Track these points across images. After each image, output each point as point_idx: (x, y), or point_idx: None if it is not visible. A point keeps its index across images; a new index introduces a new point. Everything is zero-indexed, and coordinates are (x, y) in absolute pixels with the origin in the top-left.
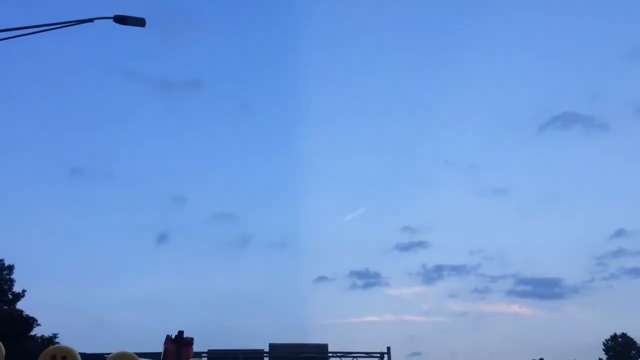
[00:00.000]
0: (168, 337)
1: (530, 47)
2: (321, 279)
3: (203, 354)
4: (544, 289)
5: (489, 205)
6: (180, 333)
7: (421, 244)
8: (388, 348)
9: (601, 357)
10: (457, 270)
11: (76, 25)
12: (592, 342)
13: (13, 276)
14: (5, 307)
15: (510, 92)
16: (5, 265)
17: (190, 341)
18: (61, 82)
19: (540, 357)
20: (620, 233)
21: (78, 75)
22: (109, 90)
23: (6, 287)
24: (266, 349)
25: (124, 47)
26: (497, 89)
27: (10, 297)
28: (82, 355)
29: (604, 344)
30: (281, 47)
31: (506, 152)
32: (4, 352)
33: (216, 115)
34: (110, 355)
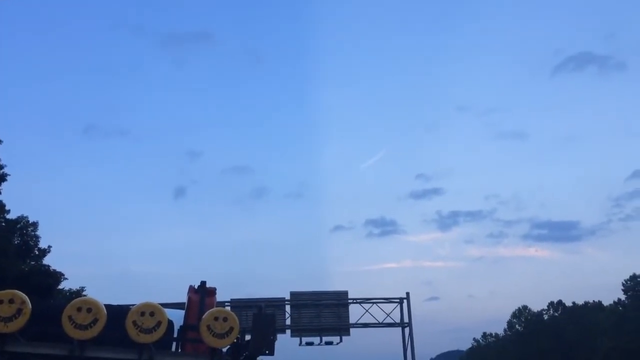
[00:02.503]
0: (191, 287)
1: None
2: (338, 228)
3: (226, 303)
4: (560, 232)
5: (503, 149)
6: (203, 283)
7: (436, 191)
8: (407, 293)
9: (620, 297)
10: (473, 215)
11: None
12: (610, 283)
13: (38, 232)
14: (32, 263)
15: (522, 34)
16: (30, 222)
17: (213, 291)
18: (68, 40)
19: (558, 299)
20: (636, 174)
21: (85, 33)
22: (117, 46)
23: (32, 244)
24: (287, 297)
25: (130, 1)
26: (510, 32)
27: (37, 252)
28: (107, 306)
29: (623, 284)
30: None
31: (521, 96)
32: (30, 307)
33: (227, 66)
34: (135, 306)
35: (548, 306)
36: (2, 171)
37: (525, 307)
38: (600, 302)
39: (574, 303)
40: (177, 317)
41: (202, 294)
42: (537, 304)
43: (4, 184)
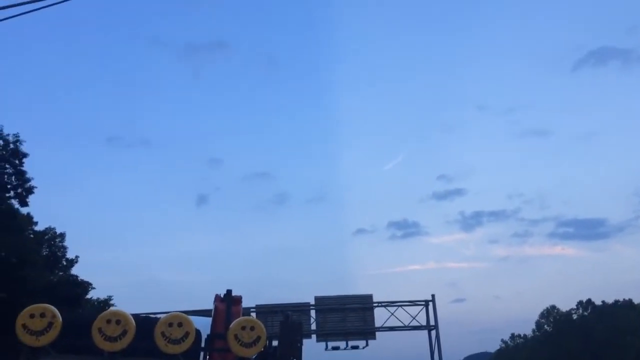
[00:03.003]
0: (217, 296)
1: None
2: (360, 231)
3: (251, 309)
4: (587, 230)
5: (525, 148)
6: (229, 292)
7: (458, 192)
8: (432, 296)
9: None
10: (496, 215)
11: None
12: None
13: (65, 243)
14: (60, 274)
15: (541, 30)
16: (57, 233)
17: (239, 299)
18: (89, 53)
19: (587, 298)
20: None
21: (106, 45)
22: (136, 58)
23: (60, 254)
24: (312, 301)
25: (148, 13)
26: (528, 28)
27: (65, 263)
28: (135, 317)
29: None
30: (306, 2)
31: (541, 93)
32: (61, 320)
33: (244, 74)
34: (163, 317)
35: (577, 305)
36: (29, 184)
37: (553, 307)
38: (630, 300)
39: (603, 302)
40: (203, 324)
41: (228, 303)
42: (566, 304)
43: (31, 197)
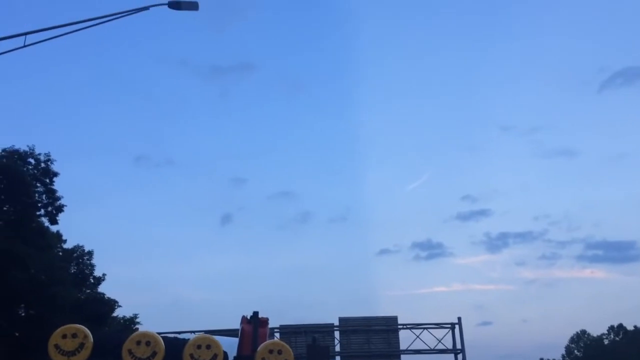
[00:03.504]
0: (244, 318)
1: (582, 1)
2: (384, 251)
3: (275, 330)
4: (616, 252)
5: (551, 168)
6: (256, 314)
7: (483, 212)
8: (459, 318)
9: None
10: (523, 237)
11: (126, 17)
12: None
13: (93, 261)
14: (88, 291)
15: (565, 51)
16: (86, 251)
17: (265, 321)
18: (118, 73)
19: (618, 323)
20: None
21: (133, 66)
22: (164, 78)
23: (88, 272)
24: (336, 322)
25: (174, 35)
26: (551, 49)
27: (92, 281)
28: (164, 338)
29: None
30: (330, 23)
31: (567, 113)
32: (92, 341)
33: (269, 95)
34: (191, 339)
35: (608, 330)
36: (59, 202)
37: (584, 332)
38: None
39: (635, 327)
40: (229, 345)
41: (255, 325)
42: (597, 328)
43: (60, 215)
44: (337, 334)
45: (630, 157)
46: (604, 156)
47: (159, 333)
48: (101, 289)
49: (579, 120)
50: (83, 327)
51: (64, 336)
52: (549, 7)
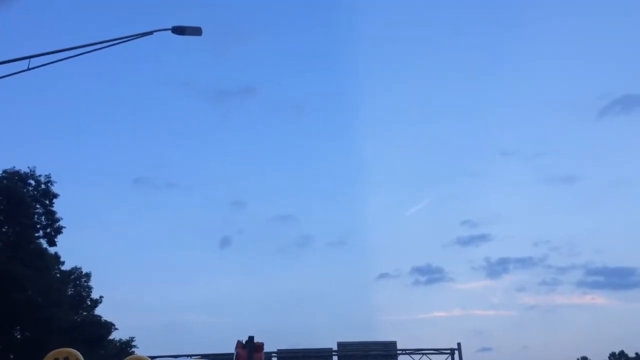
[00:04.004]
0: (239, 342)
1: (582, 29)
2: (383, 276)
3: (273, 354)
4: (617, 279)
5: (551, 194)
6: (251, 338)
7: (483, 237)
8: (458, 344)
9: None
10: (523, 262)
11: (130, 41)
12: None
13: (90, 283)
14: (85, 314)
15: (564, 78)
16: (83, 273)
17: (261, 346)
18: (120, 97)
19: (620, 350)
20: None
21: (136, 89)
22: (166, 101)
23: (85, 294)
24: (334, 347)
25: (178, 59)
26: (550, 74)
27: (89, 303)
28: None
29: None
30: (331, 48)
31: (567, 140)
32: None
33: (270, 119)
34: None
35: (609, 357)
36: (58, 224)
37: (585, 358)
38: None
39: (637, 354)
40: None
41: (250, 350)
42: (598, 356)
43: (59, 236)
44: (335, 358)
45: (630, 184)
46: (604, 183)
47: (155, 357)
48: (98, 311)
49: (579, 146)
50: (75, 351)
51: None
52: (549, 33)
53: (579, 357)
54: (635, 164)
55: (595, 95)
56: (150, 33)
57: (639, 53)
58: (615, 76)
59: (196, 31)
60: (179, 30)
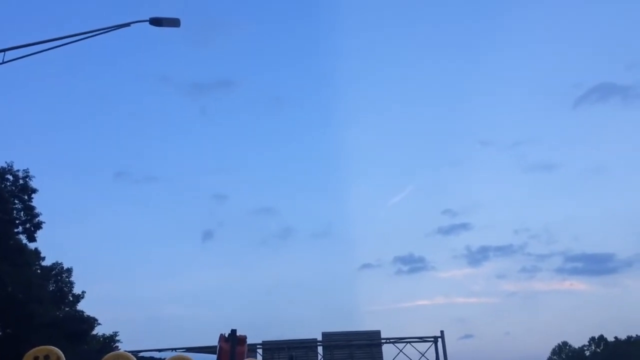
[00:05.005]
0: (221, 336)
1: (558, 18)
2: (366, 266)
3: (258, 346)
4: (595, 265)
5: (530, 182)
6: (233, 332)
7: (464, 226)
8: (441, 332)
9: None
10: (503, 250)
11: (107, 33)
12: None
13: (72, 278)
14: (67, 309)
15: (541, 66)
16: (65, 269)
17: (243, 339)
18: (98, 90)
19: (599, 334)
20: None
21: (114, 83)
22: (145, 96)
23: (66, 290)
24: (319, 338)
25: (155, 52)
26: (528, 64)
27: (71, 298)
28: (139, 357)
29: None
30: (309, 39)
31: (545, 128)
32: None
33: (249, 112)
34: (168, 358)
35: (589, 342)
36: (37, 219)
37: (565, 344)
38: None
39: (616, 338)
40: None
41: (233, 343)
42: (578, 340)
43: (39, 232)
44: (320, 349)
45: (607, 171)
46: (582, 170)
47: (139, 351)
48: (80, 306)
49: (556, 135)
50: (56, 348)
51: (36, 358)
52: (525, 23)
53: (559, 342)
54: (612, 151)
55: (571, 84)
56: (128, 25)
57: (614, 41)
58: (591, 65)
59: (174, 22)
60: (156, 22)
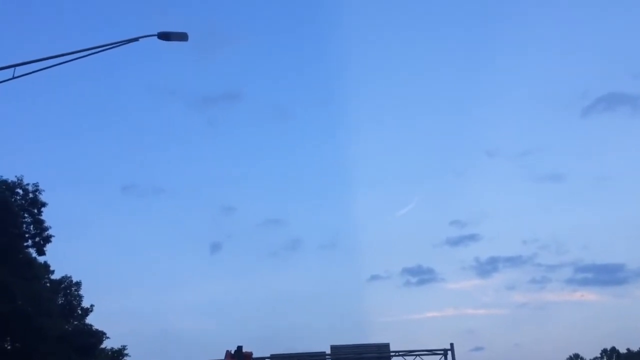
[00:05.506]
0: (228, 353)
1: (565, 27)
2: (374, 277)
3: (266, 358)
4: (606, 275)
5: (538, 192)
6: (239, 348)
7: (472, 237)
8: (451, 344)
9: None
10: (512, 261)
11: (115, 48)
12: None
13: (81, 292)
14: (75, 323)
15: (549, 75)
16: (74, 282)
17: (249, 355)
18: (106, 104)
19: (611, 346)
20: None
21: (122, 96)
22: (152, 109)
23: (75, 303)
24: (328, 350)
25: (163, 66)
26: (535, 73)
27: (80, 312)
28: None
29: None
30: (315, 50)
31: (553, 138)
32: None
33: (257, 124)
34: None
35: (601, 354)
36: (47, 233)
37: (577, 355)
38: None
39: (628, 350)
40: None
41: (239, 359)
42: (590, 352)
43: (48, 245)
44: None
45: (615, 180)
46: (590, 179)
47: None
48: (89, 320)
49: (564, 144)
50: None
51: None
52: (532, 32)
53: (571, 354)
54: (620, 160)
55: (579, 94)
56: (136, 39)
57: (621, 51)
58: (598, 74)
59: (182, 37)
60: (164, 37)
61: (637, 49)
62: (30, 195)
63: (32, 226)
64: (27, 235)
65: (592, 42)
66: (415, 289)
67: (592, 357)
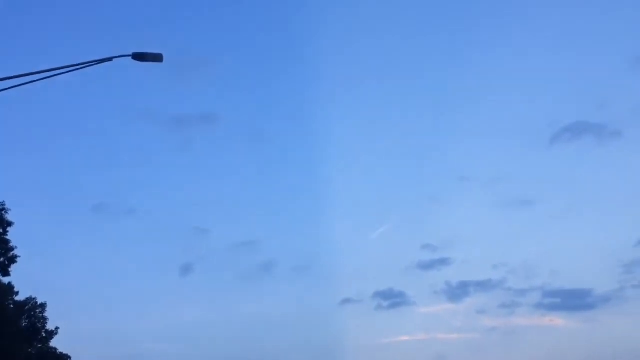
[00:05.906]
0: None
1: (533, 56)
2: (346, 301)
3: None
4: (574, 300)
5: (508, 218)
6: None
7: (443, 261)
8: None
9: None
10: (482, 285)
11: (89, 67)
12: (634, 350)
13: (46, 314)
14: (39, 346)
15: (517, 106)
16: (39, 304)
17: None
18: (79, 123)
19: None
20: None
21: (95, 116)
22: (126, 129)
23: (40, 326)
24: None
25: (137, 87)
26: (504, 103)
27: (44, 335)
28: None
29: None
30: (292, 73)
31: (522, 165)
32: None
33: (232, 146)
34: None
35: None
36: (12, 253)
37: None
38: None
39: None
40: None
41: None
42: None
43: (14, 266)
44: None
45: (582, 207)
46: (558, 206)
47: None
48: (54, 343)
49: (533, 172)
50: None
51: None
52: (499, 62)
53: None
54: (588, 187)
55: (546, 123)
56: (110, 59)
57: (586, 81)
58: (564, 104)
59: (157, 57)
60: (139, 57)
61: (602, 80)
62: None
63: None
64: None
65: (559, 73)
66: (388, 312)
67: None
